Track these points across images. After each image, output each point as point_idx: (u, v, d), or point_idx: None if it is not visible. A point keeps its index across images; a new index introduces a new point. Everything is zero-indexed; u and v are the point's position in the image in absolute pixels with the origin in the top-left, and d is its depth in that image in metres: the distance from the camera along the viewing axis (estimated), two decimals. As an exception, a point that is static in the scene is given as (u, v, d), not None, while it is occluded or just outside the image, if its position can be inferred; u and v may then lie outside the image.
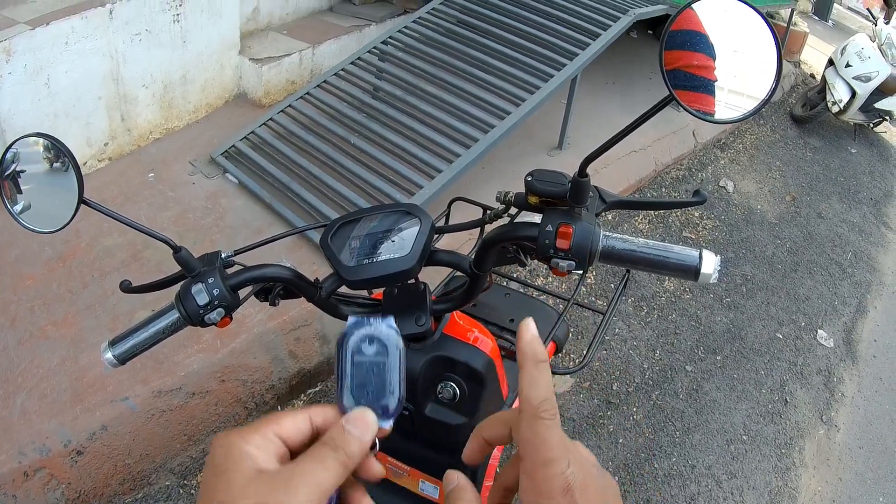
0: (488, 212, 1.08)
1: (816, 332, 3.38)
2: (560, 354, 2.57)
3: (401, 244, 0.96)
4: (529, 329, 0.54)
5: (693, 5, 0.70)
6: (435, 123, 3.14)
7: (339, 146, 3.11)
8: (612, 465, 2.46)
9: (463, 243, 2.85)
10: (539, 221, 0.87)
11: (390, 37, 3.56)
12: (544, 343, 1.49)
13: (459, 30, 3.59)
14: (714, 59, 0.70)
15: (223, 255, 0.97)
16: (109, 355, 0.89)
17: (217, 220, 2.88)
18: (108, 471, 2.03)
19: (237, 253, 1.00)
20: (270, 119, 3.27)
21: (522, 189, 0.89)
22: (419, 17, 3.67)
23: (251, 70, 3.63)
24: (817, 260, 3.94)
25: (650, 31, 5.79)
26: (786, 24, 6.20)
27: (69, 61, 2.78)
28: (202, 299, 0.89)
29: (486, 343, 1.12)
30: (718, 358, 3.05)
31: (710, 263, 0.80)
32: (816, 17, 9.09)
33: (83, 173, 0.78)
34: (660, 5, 3.95)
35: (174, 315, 0.91)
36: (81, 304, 2.41)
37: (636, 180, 3.94)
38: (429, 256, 0.98)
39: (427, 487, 1.23)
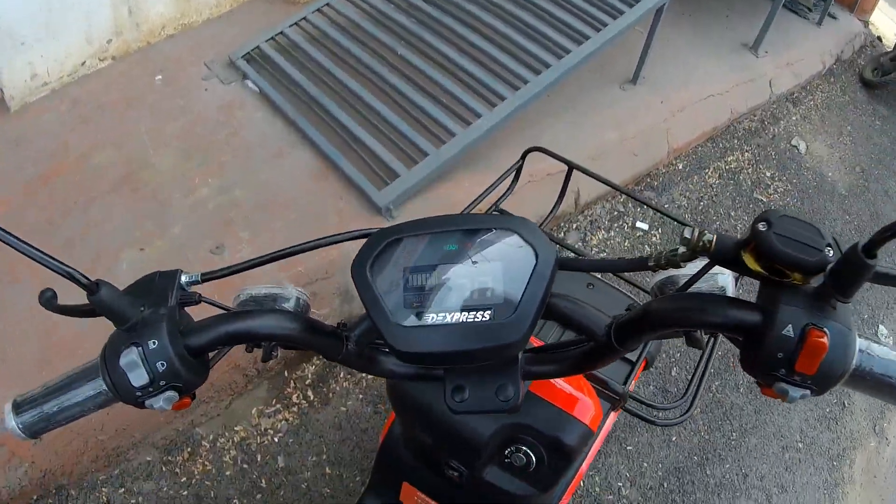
0: (657, 255, 0.59)
1: (878, 327, 3.10)
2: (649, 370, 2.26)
3: (498, 293, 0.54)
4: None
5: None
6: (499, 40, 2.64)
7: (383, 56, 2.63)
8: (661, 467, 2.21)
9: (522, 185, 2.38)
10: (747, 299, 0.55)
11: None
12: (637, 361, 1.12)
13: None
14: None
15: (183, 280, 0.59)
16: (13, 424, 0.56)
17: (230, 136, 2.43)
18: (77, 447, 1.69)
19: (206, 279, 0.61)
20: (304, 18, 2.79)
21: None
22: None
23: (284, -44, 3.10)
24: (882, 244, 3.62)
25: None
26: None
27: (66, -60, 2.28)
28: (139, 378, 0.53)
29: (586, 407, 0.81)
30: (782, 347, 2.74)
31: None
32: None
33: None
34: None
35: (100, 386, 0.55)
36: (60, 237, 2.00)
37: (711, 128, 3.52)
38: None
39: None
